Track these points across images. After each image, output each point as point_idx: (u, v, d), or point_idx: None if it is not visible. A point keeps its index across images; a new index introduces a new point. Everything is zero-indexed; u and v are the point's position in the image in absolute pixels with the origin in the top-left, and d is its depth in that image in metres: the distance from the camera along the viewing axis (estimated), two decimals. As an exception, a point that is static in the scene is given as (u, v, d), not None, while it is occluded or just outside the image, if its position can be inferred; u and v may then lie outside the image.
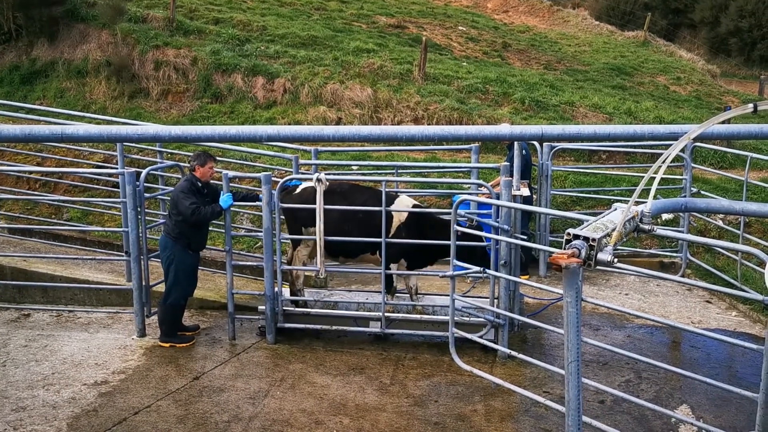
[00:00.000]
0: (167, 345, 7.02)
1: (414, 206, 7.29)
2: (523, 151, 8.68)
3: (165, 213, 8.04)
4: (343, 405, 5.79)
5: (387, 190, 7.04)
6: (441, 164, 11.12)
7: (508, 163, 7.25)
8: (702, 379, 4.84)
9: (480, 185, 7.21)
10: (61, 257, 8.92)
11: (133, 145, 10.80)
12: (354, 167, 10.31)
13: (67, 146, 11.45)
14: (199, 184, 7.00)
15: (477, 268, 6.35)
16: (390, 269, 7.10)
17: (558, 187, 10.58)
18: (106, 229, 10.10)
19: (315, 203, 6.80)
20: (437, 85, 15.15)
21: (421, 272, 7.35)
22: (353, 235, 7.09)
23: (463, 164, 10.64)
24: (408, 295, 7.42)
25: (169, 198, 7.44)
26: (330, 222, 6.92)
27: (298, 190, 7.37)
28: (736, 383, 5.41)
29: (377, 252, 7.12)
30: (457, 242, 6.30)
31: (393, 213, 7.10)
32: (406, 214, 7.14)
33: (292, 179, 7.46)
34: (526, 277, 8.62)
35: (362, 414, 5.65)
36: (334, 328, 7.19)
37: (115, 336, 7.32)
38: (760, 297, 4.66)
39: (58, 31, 16.09)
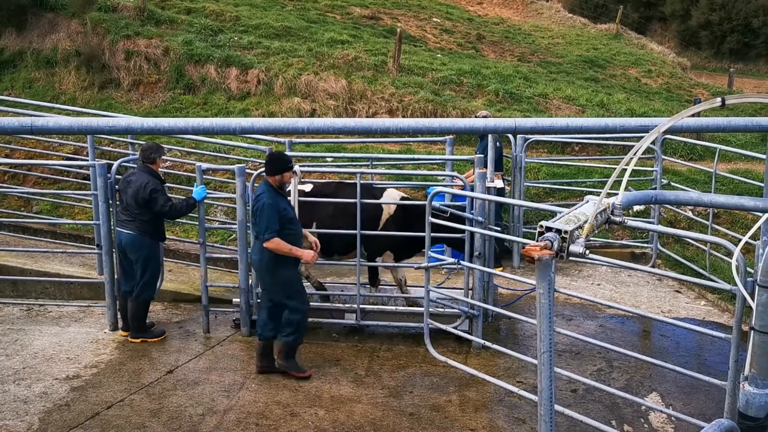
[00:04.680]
0: (139, 341, 6.92)
1: (402, 198, 7.31)
2: (497, 143, 8.72)
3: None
4: (318, 397, 5.80)
5: (374, 183, 6.98)
6: (416, 156, 11.14)
7: (482, 155, 7.28)
8: (671, 367, 4.92)
9: (454, 177, 7.24)
10: (31, 250, 8.79)
11: (104, 136, 10.66)
12: (328, 159, 10.29)
13: (37, 138, 11.26)
14: (161, 176, 6.97)
15: (452, 260, 6.37)
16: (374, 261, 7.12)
17: (531, 179, 10.66)
18: (77, 221, 9.96)
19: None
20: (412, 76, 15.16)
21: (397, 264, 7.35)
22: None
23: (438, 156, 10.67)
24: (383, 288, 7.42)
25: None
26: (322, 223, 7.03)
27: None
28: (704, 371, 5.51)
29: (364, 247, 7.10)
30: (435, 234, 6.33)
31: (382, 206, 7.11)
32: (394, 207, 7.15)
33: None
34: (500, 269, 8.66)
35: (337, 405, 5.66)
36: (309, 320, 7.17)
37: (87, 330, 7.23)
38: (728, 286, 4.75)
39: (26, 20, 15.78)
